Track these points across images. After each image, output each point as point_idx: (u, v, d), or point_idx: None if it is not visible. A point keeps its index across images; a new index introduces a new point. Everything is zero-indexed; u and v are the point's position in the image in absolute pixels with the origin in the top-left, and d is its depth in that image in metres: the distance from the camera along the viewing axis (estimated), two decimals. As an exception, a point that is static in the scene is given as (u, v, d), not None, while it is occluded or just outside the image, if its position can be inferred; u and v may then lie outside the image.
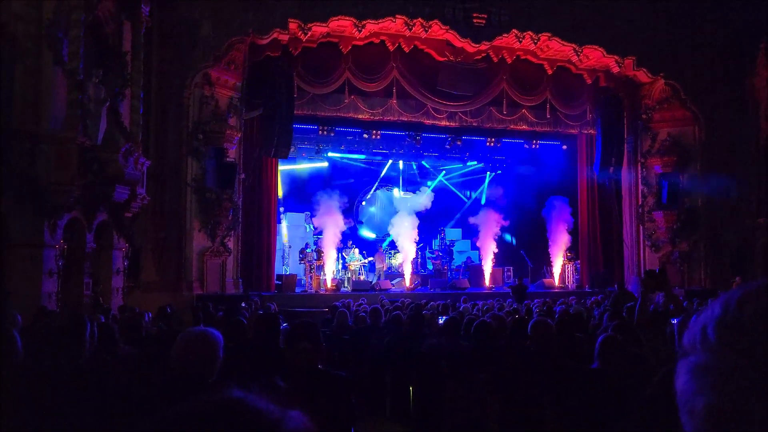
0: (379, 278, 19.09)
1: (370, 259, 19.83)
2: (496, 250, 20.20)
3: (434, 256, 21.11)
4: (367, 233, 22.14)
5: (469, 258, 21.38)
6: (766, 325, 0.68)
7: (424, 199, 20.76)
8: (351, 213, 20.66)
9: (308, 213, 20.76)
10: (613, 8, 16.66)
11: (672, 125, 18.25)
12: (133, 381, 3.66)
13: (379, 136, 19.58)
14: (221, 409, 0.75)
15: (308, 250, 18.26)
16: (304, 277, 18.13)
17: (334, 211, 18.65)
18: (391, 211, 20.67)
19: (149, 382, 3.42)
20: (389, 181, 22.12)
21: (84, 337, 3.26)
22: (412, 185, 20.82)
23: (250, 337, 5.45)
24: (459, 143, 20.59)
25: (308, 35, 15.44)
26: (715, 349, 0.71)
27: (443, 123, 18.74)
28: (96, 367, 3.38)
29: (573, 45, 16.61)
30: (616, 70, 17.57)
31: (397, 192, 20.60)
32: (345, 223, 19.12)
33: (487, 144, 20.60)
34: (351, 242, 19.86)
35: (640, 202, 18.53)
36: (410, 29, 15.86)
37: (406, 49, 16.71)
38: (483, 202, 22.36)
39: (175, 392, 2.82)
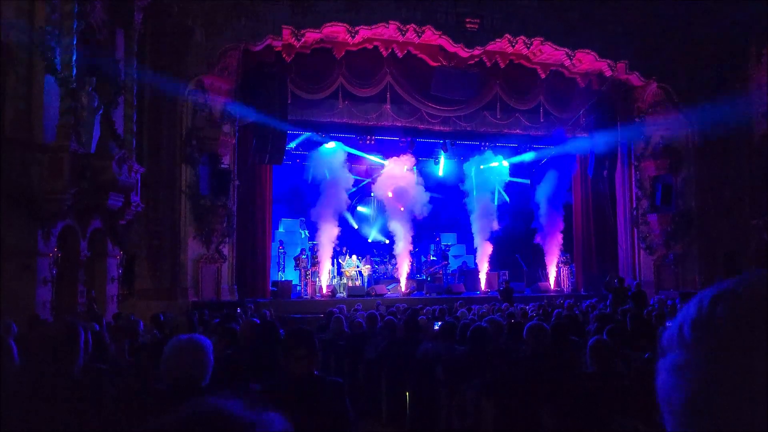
0: (373, 283, 19.07)
1: (368, 266, 19.80)
2: (491, 248, 20.22)
3: (429, 260, 21.10)
4: (369, 238, 22.07)
5: (464, 262, 21.37)
6: (736, 323, 0.70)
7: (419, 203, 20.70)
8: (346, 218, 20.62)
9: (303, 219, 20.73)
10: (605, 12, 16.76)
11: (665, 128, 18.33)
12: (127, 389, 3.65)
13: (373, 142, 19.59)
14: (193, 418, 0.77)
15: (303, 256, 18.24)
16: (299, 284, 18.10)
17: (329, 217, 18.64)
18: (387, 215, 20.63)
19: (144, 390, 3.41)
20: (383, 186, 22.05)
21: (78, 345, 3.25)
22: (408, 189, 20.75)
23: (244, 344, 5.43)
24: (453, 146, 20.63)
25: (301, 41, 15.46)
26: (690, 346, 0.73)
27: (437, 128, 18.78)
28: (90, 375, 3.37)
29: (565, 49, 16.69)
30: (608, 73, 17.65)
31: (391, 195, 20.53)
32: (340, 229, 19.10)
33: (481, 148, 20.63)
34: (346, 248, 19.84)
35: (634, 205, 18.59)
36: (403, 35, 15.90)
37: (400, 55, 16.75)
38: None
39: (170, 400, 2.82)
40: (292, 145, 19.25)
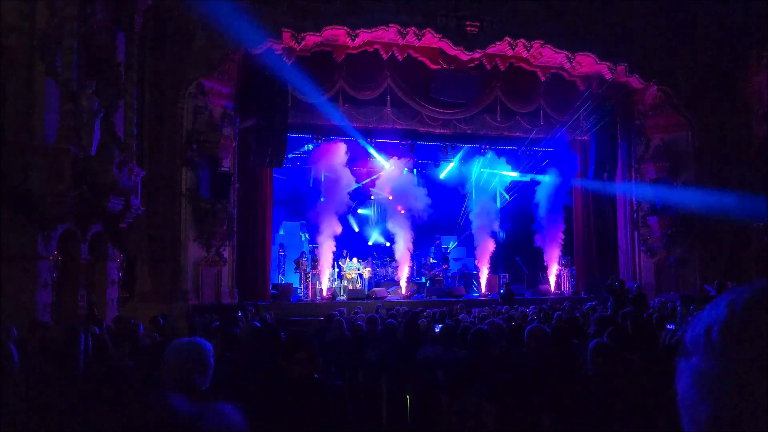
0: (374, 286, 19.05)
1: (368, 269, 19.78)
2: (492, 251, 20.18)
3: (430, 263, 21.06)
4: (369, 240, 22.06)
5: (464, 265, 21.34)
6: None
7: (419, 205, 20.69)
8: (346, 221, 20.59)
9: (303, 222, 20.72)
10: (605, 15, 16.77)
11: (665, 131, 18.34)
12: (127, 392, 3.65)
13: (373, 144, 19.61)
14: (137, 415, 0.78)
15: (303, 259, 18.23)
16: (299, 286, 18.09)
17: (330, 220, 18.62)
18: (387, 218, 20.62)
19: (144, 393, 3.40)
20: (383, 189, 22.05)
21: (78, 348, 3.25)
22: (408, 191, 20.73)
23: (245, 347, 5.43)
24: (453, 149, 20.65)
25: (302, 45, 15.47)
26: (719, 354, 0.67)
27: (438, 130, 18.78)
28: (91, 378, 3.37)
29: (565, 52, 16.70)
30: (608, 76, 17.64)
31: (391, 197, 20.52)
32: (340, 231, 19.08)
33: (482, 151, 20.64)
34: (346, 251, 19.83)
35: (634, 208, 18.59)
36: (404, 38, 15.91)
37: (400, 58, 16.76)
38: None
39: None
40: (307, 147, 19.32)
